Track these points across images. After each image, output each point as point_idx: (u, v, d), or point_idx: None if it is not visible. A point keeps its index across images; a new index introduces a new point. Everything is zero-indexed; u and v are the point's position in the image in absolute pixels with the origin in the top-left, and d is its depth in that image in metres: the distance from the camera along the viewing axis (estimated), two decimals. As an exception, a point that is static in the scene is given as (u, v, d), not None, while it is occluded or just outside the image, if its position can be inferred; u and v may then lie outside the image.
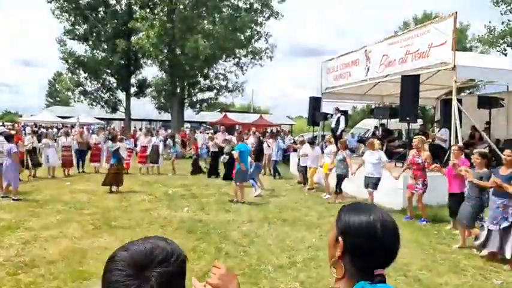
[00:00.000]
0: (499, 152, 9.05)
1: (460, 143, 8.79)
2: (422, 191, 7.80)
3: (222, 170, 13.54)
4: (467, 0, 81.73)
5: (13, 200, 8.68)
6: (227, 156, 12.82)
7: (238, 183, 9.34)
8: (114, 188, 10.43)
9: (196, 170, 14.55)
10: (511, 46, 19.07)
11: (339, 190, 9.84)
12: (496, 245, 5.41)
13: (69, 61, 24.72)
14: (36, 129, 18.13)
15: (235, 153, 9.48)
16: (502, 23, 18.51)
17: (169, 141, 15.44)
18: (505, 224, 5.29)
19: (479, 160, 6.08)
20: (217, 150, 14.26)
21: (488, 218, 5.66)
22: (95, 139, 15.01)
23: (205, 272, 4.89)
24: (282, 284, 4.67)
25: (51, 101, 63.88)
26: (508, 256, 5.33)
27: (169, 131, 22.40)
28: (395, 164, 10.38)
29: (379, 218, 1.15)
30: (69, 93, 28.61)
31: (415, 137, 9.00)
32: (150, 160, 14.60)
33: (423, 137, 8.82)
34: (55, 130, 22.99)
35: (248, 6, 22.31)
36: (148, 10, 20.56)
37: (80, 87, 25.76)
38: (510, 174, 5.43)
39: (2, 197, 8.93)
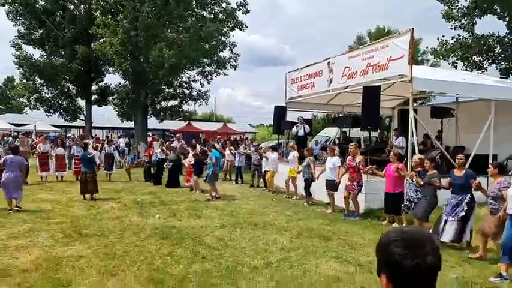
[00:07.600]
0: (449, 158, 9.88)
1: (416, 150, 9.50)
2: (357, 191, 8.79)
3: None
4: (421, 15, 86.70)
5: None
6: (171, 164, 13.24)
7: (210, 183, 10.99)
8: (87, 196, 10.35)
9: (148, 177, 14.30)
10: (461, 59, 20.35)
11: (308, 194, 10.54)
12: (452, 234, 6.31)
13: (24, 66, 23.72)
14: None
15: (213, 158, 11.09)
16: (453, 37, 19.80)
17: (124, 148, 15.24)
18: (462, 214, 6.26)
19: (429, 164, 7.10)
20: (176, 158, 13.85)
21: (445, 212, 6.54)
22: (42, 148, 14.16)
23: (184, 276, 5.02)
24: (259, 284, 4.88)
25: (2, 107, 60.38)
26: (468, 238, 6.40)
27: (126, 139, 21.78)
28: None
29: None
30: (24, 100, 27.29)
31: (350, 143, 10.14)
32: (105, 168, 14.75)
33: (356, 144, 10.16)
34: (10, 138, 21.85)
35: (213, 16, 22.50)
36: (110, 16, 20.15)
37: (36, 94, 24.72)
38: (464, 174, 6.45)
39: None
